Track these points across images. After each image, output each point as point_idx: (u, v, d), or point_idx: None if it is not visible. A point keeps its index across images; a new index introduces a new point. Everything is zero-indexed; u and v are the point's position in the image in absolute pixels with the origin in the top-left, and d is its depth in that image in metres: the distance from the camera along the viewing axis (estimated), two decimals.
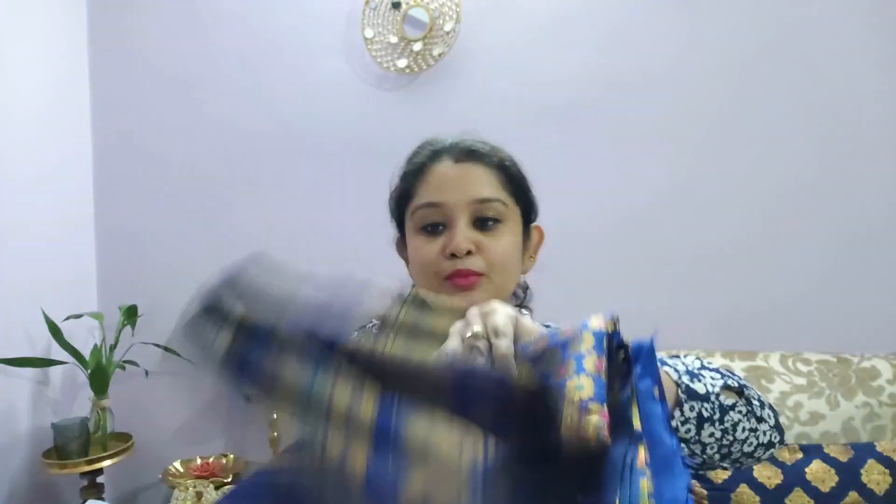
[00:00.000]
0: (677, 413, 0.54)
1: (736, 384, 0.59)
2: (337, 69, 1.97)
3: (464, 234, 0.69)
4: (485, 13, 1.86)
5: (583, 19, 1.82)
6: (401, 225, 0.81)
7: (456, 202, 0.70)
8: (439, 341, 0.45)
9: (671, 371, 0.56)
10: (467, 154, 0.73)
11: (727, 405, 0.56)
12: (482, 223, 0.71)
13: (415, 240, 0.73)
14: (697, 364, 0.60)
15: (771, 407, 0.61)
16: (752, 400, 0.59)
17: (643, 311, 1.80)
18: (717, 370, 0.60)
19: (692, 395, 0.55)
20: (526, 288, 0.84)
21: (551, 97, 1.84)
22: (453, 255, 0.68)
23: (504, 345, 0.43)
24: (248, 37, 2.03)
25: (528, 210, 0.78)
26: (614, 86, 1.80)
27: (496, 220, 0.71)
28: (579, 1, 1.82)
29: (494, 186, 0.72)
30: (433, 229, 0.71)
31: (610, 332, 0.44)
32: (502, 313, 0.46)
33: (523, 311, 0.84)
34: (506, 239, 0.72)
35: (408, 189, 0.76)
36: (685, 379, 0.55)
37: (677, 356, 0.64)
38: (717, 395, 0.56)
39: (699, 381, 0.56)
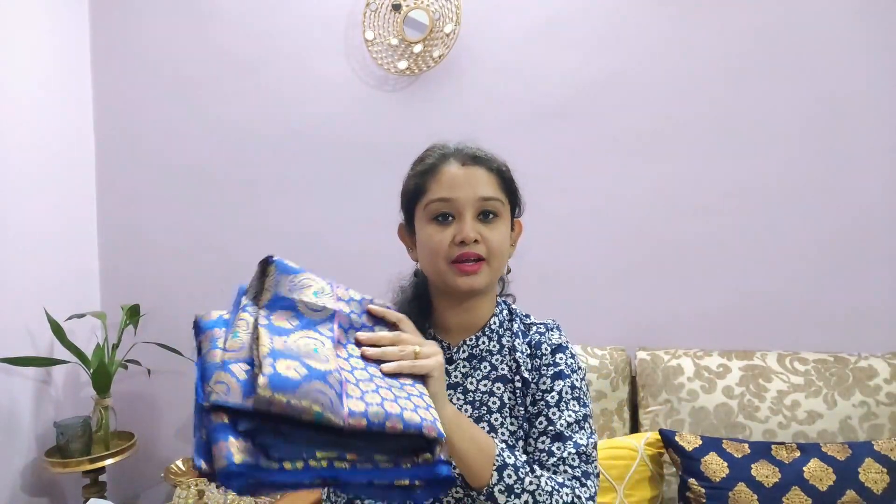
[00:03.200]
0: None
1: None
2: (338, 70, 1.98)
3: (471, 226, 0.84)
4: (484, 15, 1.87)
5: (581, 21, 1.83)
6: (408, 215, 0.93)
7: (465, 198, 0.85)
8: None
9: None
10: (472, 159, 0.88)
11: None
12: (484, 216, 0.86)
13: (427, 228, 0.87)
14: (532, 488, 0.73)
15: None
16: None
17: (641, 310, 1.83)
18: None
19: None
20: (508, 271, 0.98)
21: (550, 98, 1.84)
22: (462, 242, 0.83)
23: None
24: (250, 38, 2.04)
25: (514, 206, 0.93)
26: (613, 86, 1.81)
27: (495, 215, 0.87)
28: (577, 2, 1.83)
29: (495, 187, 0.87)
30: (444, 220, 0.86)
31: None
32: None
33: (508, 298, 0.98)
34: (501, 230, 0.87)
35: (421, 185, 0.88)
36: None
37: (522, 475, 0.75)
38: None
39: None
